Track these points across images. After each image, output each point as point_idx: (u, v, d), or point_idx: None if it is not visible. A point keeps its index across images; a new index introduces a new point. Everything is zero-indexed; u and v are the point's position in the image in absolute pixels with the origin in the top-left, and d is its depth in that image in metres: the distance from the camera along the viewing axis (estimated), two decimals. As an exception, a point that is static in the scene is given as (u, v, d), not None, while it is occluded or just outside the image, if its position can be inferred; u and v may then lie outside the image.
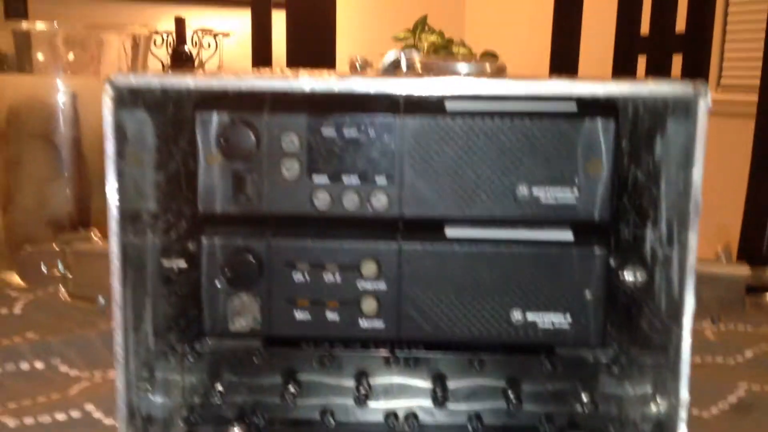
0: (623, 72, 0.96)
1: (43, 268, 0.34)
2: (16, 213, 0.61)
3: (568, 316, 0.33)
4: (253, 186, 0.32)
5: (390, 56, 0.38)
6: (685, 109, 0.26)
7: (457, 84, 0.28)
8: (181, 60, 2.42)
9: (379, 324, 0.33)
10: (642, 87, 0.26)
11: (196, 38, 2.48)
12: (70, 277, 0.32)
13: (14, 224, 0.62)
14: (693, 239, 0.25)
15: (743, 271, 0.30)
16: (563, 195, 0.32)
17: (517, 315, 0.33)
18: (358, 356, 0.35)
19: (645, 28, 0.95)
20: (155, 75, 0.26)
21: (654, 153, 0.30)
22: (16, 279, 0.61)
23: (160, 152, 0.31)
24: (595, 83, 0.26)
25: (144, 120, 0.29)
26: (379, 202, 0.32)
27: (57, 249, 0.33)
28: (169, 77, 0.26)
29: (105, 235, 0.32)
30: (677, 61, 0.93)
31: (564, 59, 0.99)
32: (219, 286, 0.33)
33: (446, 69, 0.36)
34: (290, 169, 0.32)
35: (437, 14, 2.78)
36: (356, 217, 0.33)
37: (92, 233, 0.33)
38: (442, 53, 2.55)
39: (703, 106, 0.24)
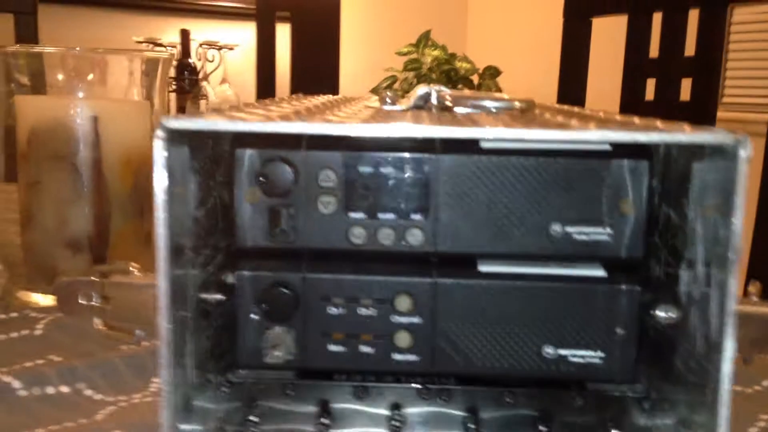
0: (632, 95, 0.97)
1: (81, 299, 0.35)
2: (36, 233, 0.62)
3: (599, 351, 0.33)
4: (290, 221, 0.33)
5: (421, 91, 0.39)
6: (723, 154, 0.26)
7: (493, 132, 0.28)
8: (185, 73, 2.43)
9: (412, 357, 0.34)
10: (682, 136, 0.27)
11: (200, 51, 2.49)
12: (108, 308, 0.33)
13: (34, 244, 0.62)
14: (733, 284, 0.26)
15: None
16: (596, 232, 0.32)
17: (548, 350, 0.33)
18: (391, 388, 0.35)
19: (654, 51, 0.96)
20: (207, 119, 0.27)
21: (688, 194, 0.30)
22: (34, 299, 0.62)
23: (200, 188, 0.31)
24: (634, 132, 0.27)
25: (185, 156, 0.29)
26: (414, 237, 0.33)
27: (94, 279, 0.34)
28: (220, 121, 0.27)
29: (147, 268, 0.33)
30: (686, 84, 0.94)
31: (572, 82, 1.00)
32: (255, 318, 0.33)
33: (476, 105, 0.37)
34: (327, 204, 0.33)
35: (440, 28, 2.79)
36: (391, 252, 0.33)
37: (130, 265, 0.33)
38: (447, 68, 2.56)
39: (744, 155, 0.25)
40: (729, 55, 2.11)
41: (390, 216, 0.33)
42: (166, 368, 0.27)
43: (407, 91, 2.66)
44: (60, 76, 0.63)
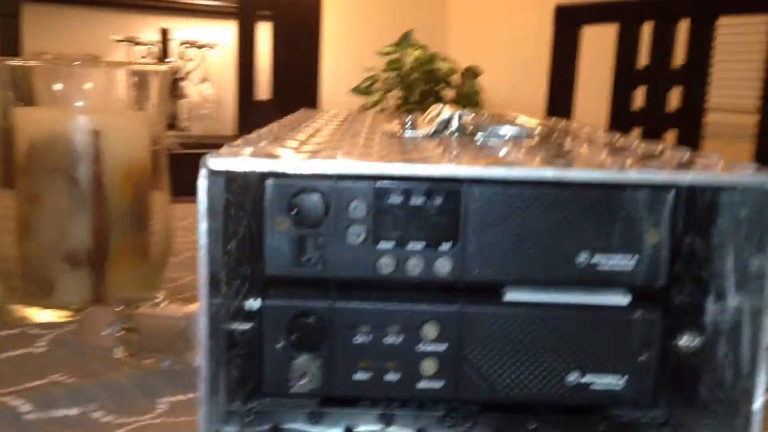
0: (621, 103, 0.98)
1: (106, 330, 0.34)
2: (34, 246, 0.61)
3: (621, 377, 0.34)
4: (319, 250, 0.33)
5: (443, 116, 0.39)
6: (759, 191, 0.27)
7: (523, 171, 0.28)
8: (165, 71, 2.40)
9: (437, 385, 0.34)
10: (717, 176, 0.27)
11: (180, 50, 2.47)
12: (135, 338, 0.33)
13: (31, 258, 0.61)
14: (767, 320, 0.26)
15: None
16: (621, 261, 0.33)
17: (573, 377, 0.34)
18: (416, 415, 0.36)
19: (643, 60, 0.97)
20: (251, 160, 0.27)
21: (716, 226, 0.31)
22: (30, 314, 0.61)
23: (232, 219, 0.31)
24: (669, 172, 0.27)
25: (220, 190, 0.29)
26: (443, 267, 0.33)
27: (118, 309, 0.34)
28: (264, 161, 0.27)
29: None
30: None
31: (561, 89, 1.01)
32: (281, 347, 0.33)
33: (497, 133, 0.37)
34: (356, 234, 0.33)
35: (421, 28, 2.80)
36: (419, 280, 0.33)
37: (160, 295, 0.33)
38: (428, 68, 2.56)
39: (782, 196, 0.26)
40: (714, 59, 2.14)
41: (419, 246, 0.33)
42: (204, 404, 0.27)
43: (388, 91, 2.66)
44: (56, 87, 0.62)
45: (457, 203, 0.33)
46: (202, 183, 0.26)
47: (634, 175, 0.27)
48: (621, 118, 0.97)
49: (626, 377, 0.33)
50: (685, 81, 0.91)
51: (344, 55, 2.86)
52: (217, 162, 0.26)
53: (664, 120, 0.93)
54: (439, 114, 0.42)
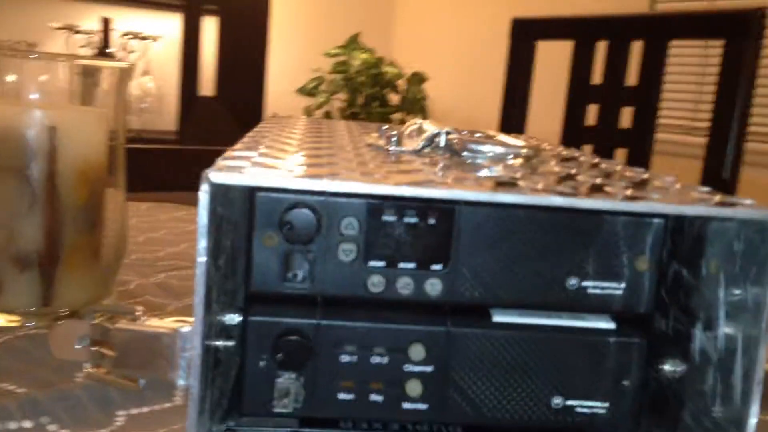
0: (574, 119, 1.00)
1: (77, 344, 0.33)
2: (-20, 247, 0.58)
3: (605, 402, 0.34)
4: (308, 267, 0.32)
5: (429, 132, 0.39)
6: (755, 226, 0.27)
7: (517, 197, 0.28)
8: (105, 62, 2.33)
9: (422, 406, 0.33)
10: (722, 211, 0.27)
11: (122, 41, 2.40)
12: (111, 355, 0.31)
13: (-23, 259, 0.58)
14: (762, 354, 0.27)
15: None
16: (610, 287, 0.33)
17: (557, 400, 0.34)
18: None
19: (597, 78, 0.99)
20: (254, 175, 0.26)
21: (706, 256, 0.31)
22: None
23: (219, 233, 0.30)
24: (670, 204, 0.28)
25: (212, 204, 0.28)
26: (433, 288, 0.33)
27: (93, 323, 0.32)
28: (268, 175, 0.26)
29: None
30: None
31: (515, 103, 1.02)
32: (264, 365, 0.33)
33: (482, 152, 0.37)
34: (347, 252, 0.32)
35: (367, 32, 2.80)
36: (408, 300, 0.33)
37: (136, 309, 0.32)
38: (374, 72, 2.56)
39: (781, 232, 0.26)
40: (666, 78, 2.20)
41: (410, 265, 0.32)
42: (194, 426, 0.26)
43: (334, 93, 2.65)
44: (8, 79, 0.59)
45: (451, 224, 0.32)
46: (204, 198, 0.25)
47: (640, 206, 0.27)
48: (573, 134, 0.98)
49: (609, 401, 0.34)
50: (637, 100, 0.93)
51: (291, 55, 2.83)
52: (220, 177, 0.25)
53: (616, 137, 0.95)
54: (420, 129, 0.41)
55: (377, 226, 0.32)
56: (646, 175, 0.35)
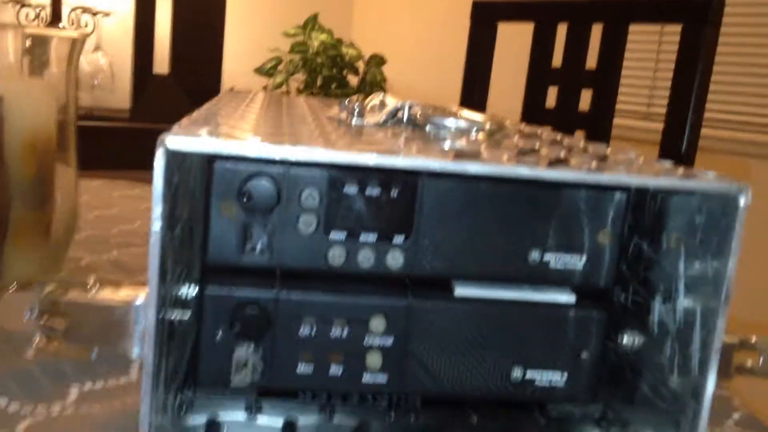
0: (534, 101, 1.00)
1: (27, 315, 0.31)
2: None
3: (563, 373, 0.34)
4: (267, 239, 0.31)
5: (392, 106, 0.38)
6: (719, 199, 0.28)
7: (483, 167, 0.28)
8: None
9: (382, 378, 0.33)
10: (685, 182, 0.27)
11: (73, 15, 2.33)
12: (61, 328, 0.30)
13: None
14: (721, 324, 0.27)
15: (731, 339, 0.33)
16: (571, 261, 0.33)
17: (517, 372, 0.34)
18: (358, 407, 0.35)
19: (557, 61, 1.00)
20: (212, 141, 0.25)
21: (667, 230, 0.32)
22: None
23: (177, 202, 0.29)
24: (634, 176, 0.28)
25: (168, 171, 0.27)
26: (395, 260, 0.32)
27: (46, 294, 0.31)
28: (226, 142, 0.25)
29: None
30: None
31: (476, 84, 1.02)
32: (222, 337, 0.32)
33: (446, 125, 0.37)
34: (307, 224, 0.31)
35: (326, 13, 2.77)
36: (368, 272, 0.32)
37: (90, 279, 0.31)
38: (333, 53, 2.54)
39: (743, 204, 0.26)
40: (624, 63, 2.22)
41: (371, 237, 0.32)
42: (148, 397, 0.26)
43: (292, 74, 2.62)
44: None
45: (413, 196, 0.32)
46: (159, 163, 0.24)
47: (605, 177, 0.27)
48: (533, 116, 0.99)
49: (568, 373, 0.34)
50: (596, 84, 0.94)
51: (248, 34, 2.79)
52: (177, 141, 0.24)
53: (575, 120, 0.95)
54: (382, 102, 0.41)
55: (338, 197, 0.31)
56: (608, 150, 0.35)
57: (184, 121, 0.30)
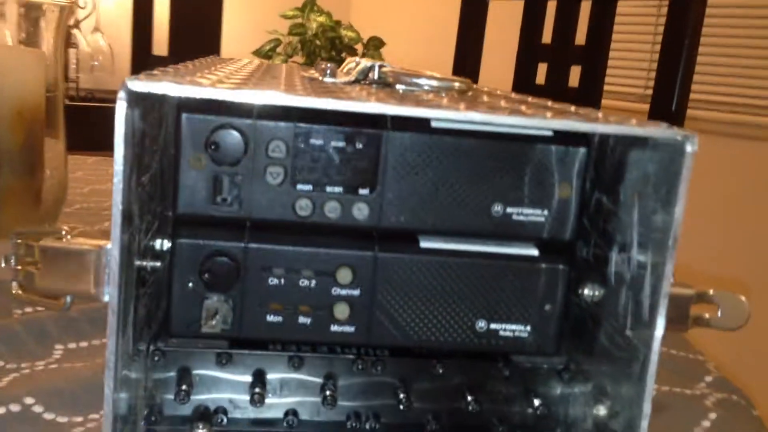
0: (524, 77, 1.01)
1: (2, 263, 0.32)
2: None
3: (527, 326, 0.35)
4: (235, 190, 0.32)
5: (363, 65, 0.39)
6: (667, 147, 0.28)
7: (444, 112, 0.28)
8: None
9: (349, 329, 0.34)
10: (639, 130, 0.28)
11: (71, -4, 2.34)
12: (37, 273, 0.31)
13: None
14: (669, 269, 0.28)
15: (689, 290, 0.34)
16: (534, 214, 0.34)
17: (481, 324, 0.35)
18: (326, 359, 0.36)
19: (547, 38, 1.00)
20: (173, 86, 0.26)
21: (625, 182, 0.32)
22: None
23: (146, 152, 0.30)
24: (585, 122, 0.28)
25: (137, 119, 0.28)
26: (361, 212, 0.33)
27: (21, 241, 0.32)
28: (188, 88, 0.26)
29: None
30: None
31: (467, 61, 1.03)
32: (191, 287, 0.33)
33: (417, 83, 0.38)
34: (275, 175, 0.32)
35: (325, -5, 2.76)
36: (335, 224, 0.33)
37: (62, 228, 0.31)
38: (331, 35, 2.54)
39: (690, 151, 0.27)
40: (612, 46, 2.22)
41: (338, 189, 0.33)
42: (113, 338, 0.26)
43: (291, 56, 2.62)
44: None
45: (378, 149, 0.33)
46: (121, 106, 0.25)
47: (556, 123, 0.28)
48: (523, 93, 0.99)
49: (531, 325, 0.35)
50: (585, 61, 0.95)
51: (246, 16, 2.79)
52: (137, 84, 0.25)
53: (565, 97, 0.96)
54: (358, 64, 0.42)
55: (304, 149, 0.32)
56: (573, 108, 0.36)
57: (154, 71, 0.30)
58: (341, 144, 0.32)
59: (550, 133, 0.33)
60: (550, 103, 0.37)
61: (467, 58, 1.01)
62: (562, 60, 0.97)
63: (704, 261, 1.68)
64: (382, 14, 3.06)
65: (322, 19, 2.58)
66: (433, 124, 0.33)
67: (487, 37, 1.03)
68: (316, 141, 0.32)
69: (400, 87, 0.38)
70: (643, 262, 0.30)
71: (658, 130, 0.28)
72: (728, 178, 1.87)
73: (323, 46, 2.56)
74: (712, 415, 0.44)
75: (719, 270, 1.78)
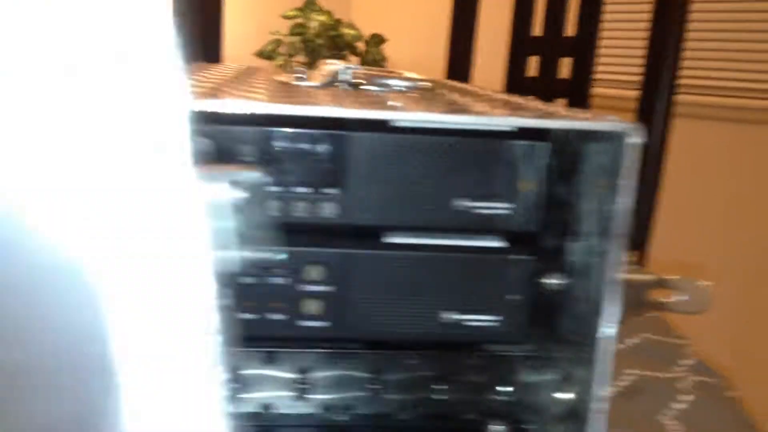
0: (515, 70, 1.02)
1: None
2: None
3: (496, 316, 0.36)
4: (207, 193, 0.34)
5: (333, 68, 0.40)
6: (615, 139, 0.30)
7: (406, 115, 0.30)
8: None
9: (320, 324, 0.35)
10: (583, 123, 0.29)
11: None
12: None
13: None
14: (617, 255, 0.29)
15: (648, 276, 0.35)
16: (496, 207, 0.35)
17: (449, 315, 0.36)
18: (299, 354, 0.37)
19: (537, 30, 1.01)
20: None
21: (581, 174, 0.33)
22: None
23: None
24: (541, 119, 0.30)
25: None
26: (327, 210, 0.35)
27: None
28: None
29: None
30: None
31: (460, 55, 1.04)
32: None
33: (384, 84, 0.39)
34: (244, 178, 0.34)
35: (325, -7, 2.77)
36: (303, 223, 0.35)
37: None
38: (332, 34, 2.55)
39: (630, 142, 0.28)
40: (602, 34, 2.21)
41: (304, 189, 0.34)
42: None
43: (292, 56, 2.63)
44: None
45: (342, 150, 0.34)
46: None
47: (495, 120, 0.29)
48: (515, 85, 1.01)
49: (500, 315, 0.36)
50: (575, 52, 0.95)
51: (248, 18, 2.81)
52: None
53: (555, 89, 0.97)
54: (330, 67, 0.43)
55: (271, 152, 0.34)
56: (539, 104, 0.37)
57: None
58: (306, 146, 0.34)
59: (511, 129, 0.35)
60: (510, 99, 0.38)
61: (459, 54, 1.02)
62: (553, 52, 0.98)
63: (702, 251, 1.68)
64: (383, 12, 3.07)
65: (322, 18, 2.60)
66: (396, 123, 0.34)
67: (481, 31, 1.04)
68: (282, 144, 0.34)
69: (370, 88, 0.39)
70: (600, 250, 0.31)
71: (603, 124, 0.29)
72: (727, 165, 1.87)
73: (324, 45, 2.57)
74: (689, 397, 0.46)
75: (717, 260, 1.78)
